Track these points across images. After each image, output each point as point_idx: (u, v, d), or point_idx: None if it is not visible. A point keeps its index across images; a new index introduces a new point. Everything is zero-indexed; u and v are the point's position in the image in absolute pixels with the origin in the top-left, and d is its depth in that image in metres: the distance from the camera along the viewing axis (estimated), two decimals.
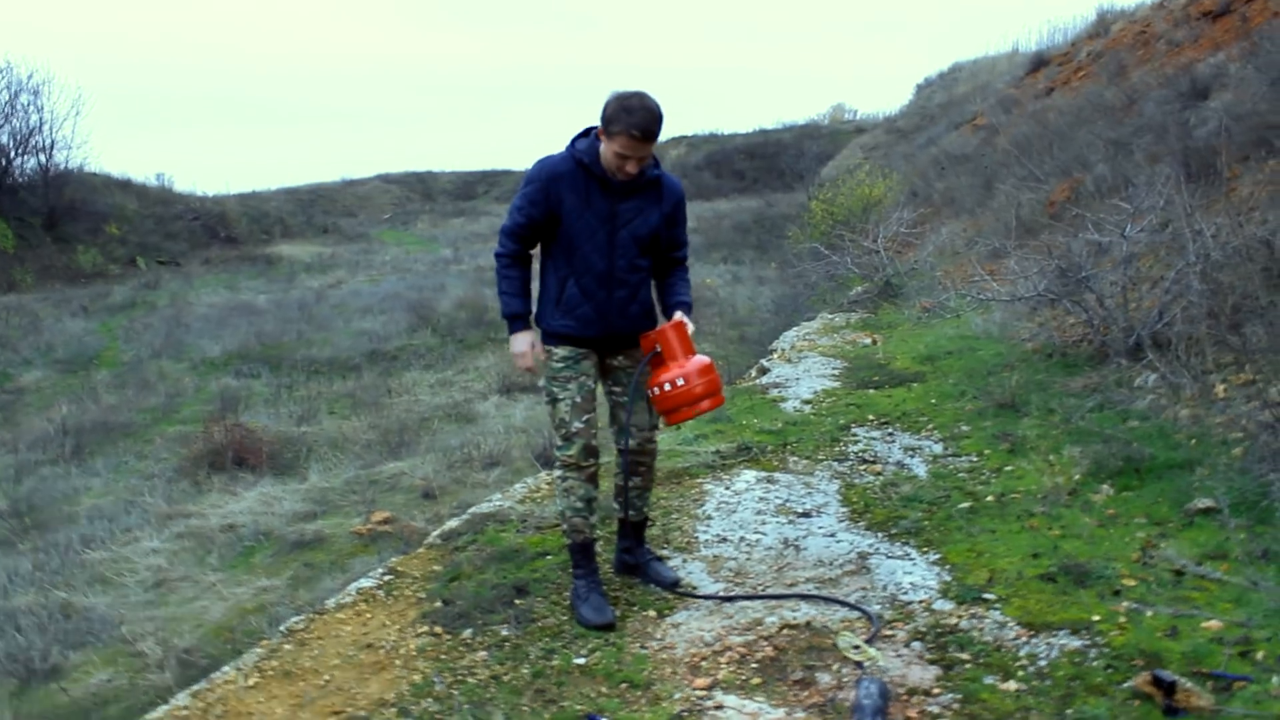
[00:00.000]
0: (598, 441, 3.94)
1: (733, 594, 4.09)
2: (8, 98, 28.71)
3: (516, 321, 3.92)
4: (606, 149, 3.67)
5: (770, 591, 4.05)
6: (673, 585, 4.10)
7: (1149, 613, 3.54)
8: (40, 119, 29.17)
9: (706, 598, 4.08)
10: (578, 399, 3.84)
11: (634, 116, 3.54)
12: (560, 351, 3.89)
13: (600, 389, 4.03)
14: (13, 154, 28.60)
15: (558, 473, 3.95)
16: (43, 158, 29.17)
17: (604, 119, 3.62)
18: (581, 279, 3.83)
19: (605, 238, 3.80)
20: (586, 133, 3.83)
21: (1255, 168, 8.19)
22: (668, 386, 3.79)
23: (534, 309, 4.00)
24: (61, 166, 29.63)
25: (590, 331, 3.87)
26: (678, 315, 3.94)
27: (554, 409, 3.90)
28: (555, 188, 3.76)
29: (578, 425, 3.84)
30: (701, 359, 3.87)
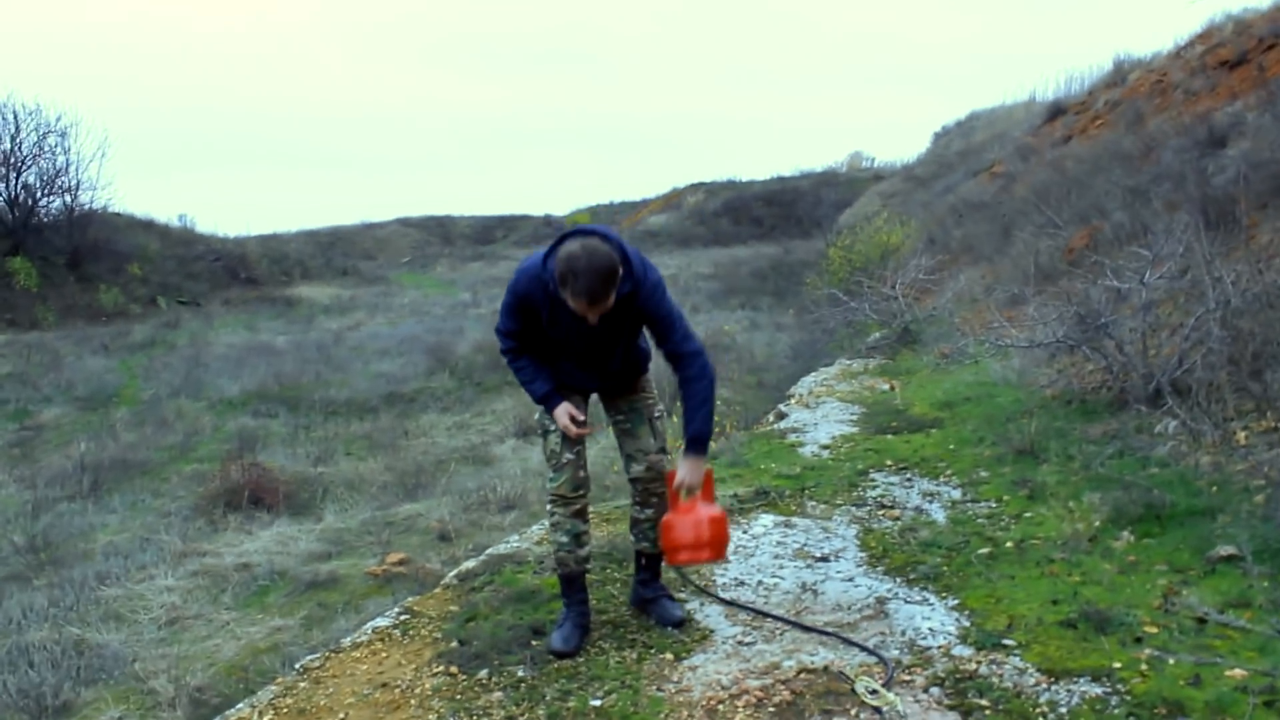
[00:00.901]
0: (587, 474, 4.02)
1: (763, 609, 4.27)
2: (36, 139, 29.09)
3: (551, 400, 3.89)
4: (564, 295, 3.55)
5: (790, 631, 4.03)
6: (678, 624, 4.12)
7: (1171, 660, 3.50)
8: (67, 160, 29.53)
9: (732, 604, 4.34)
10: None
11: (580, 282, 3.43)
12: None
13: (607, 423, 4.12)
14: (39, 194, 28.96)
15: (548, 506, 4.01)
16: (68, 198, 29.50)
17: (555, 278, 3.51)
18: (567, 363, 3.94)
19: (584, 348, 3.86)
20: (562, 239, 3.64)
21: (1274, 215, 8.19)
22: (678, 518, 3.85)
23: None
24: (86, 207, 29.94)
25: (581, 384, 4.00)
26: (690, 460, 3.81)
27: (545, 440, 3.97)
28: (529, 305, 3.76)
29: (568, 456, 3.91)
30: (717, 511, 3.90)
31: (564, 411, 3.86)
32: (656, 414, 4.14)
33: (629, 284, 3.65)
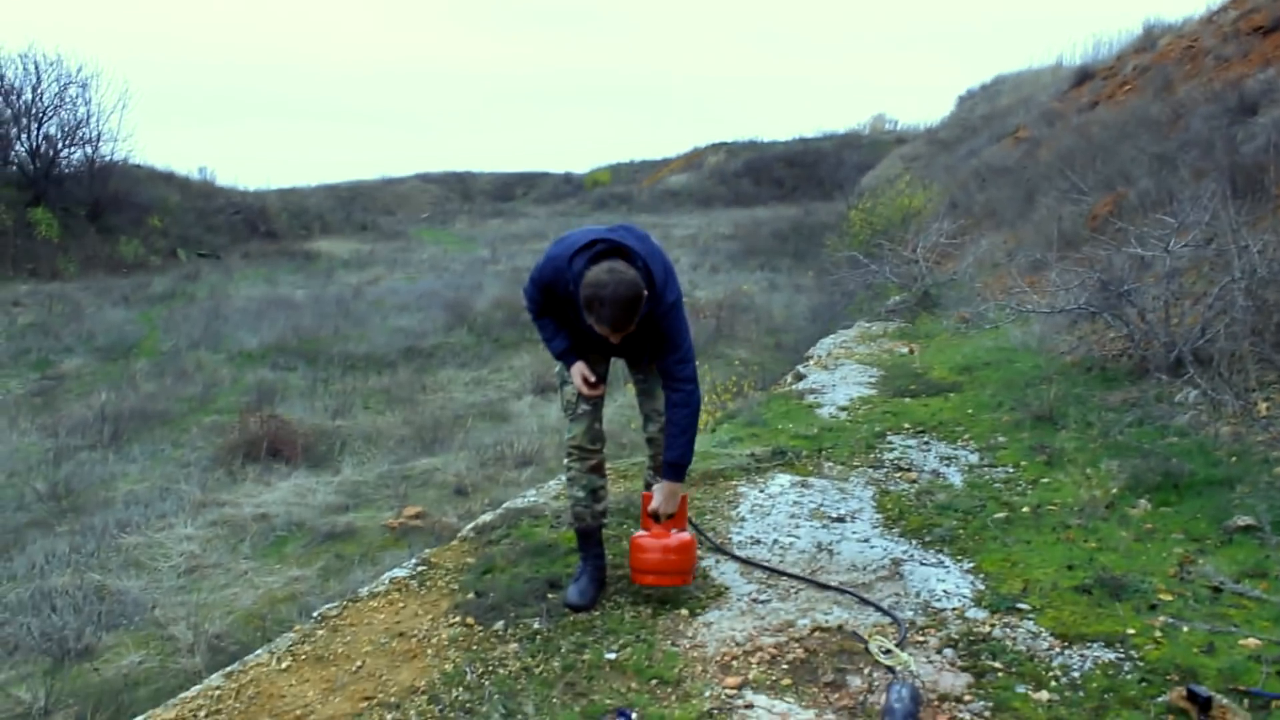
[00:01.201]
0: (602, 427, 4.05)
1: (778, 568, 4.31)
2: (57, 90, 29.05)
3: (567, 358, 3.92)
4: (586, 315, 3.55)
5: (805, 589, 4.05)
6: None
7: (1185, 628, 3.51)
8: (88, 112, 29.51)
9: (748, 561, 4.37)
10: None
11: (605, 310, 3.43)
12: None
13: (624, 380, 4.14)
14: (60, 145, 28.98)
15: (565, 460, 4.04)
16: (89, 149, 29.52)
17: (581, 300, 3.51)
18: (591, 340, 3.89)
19: (604, 346, 3.86)
20: (591, 244, 3.64)
21: None
22: (649, 542, 3.88)
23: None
24: (107, 158, 29.95)
25: (602, 348, 3.96)
26: (666, 487, 3.85)
27: (562, 392, 4.03)
28: (553, 292, 3.80)
29: (584, 407, 3.94)
30: (687, 536, 3.93)
31: (579, 370, 3.89)
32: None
33: (649, 303, 3.62)
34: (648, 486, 4.22)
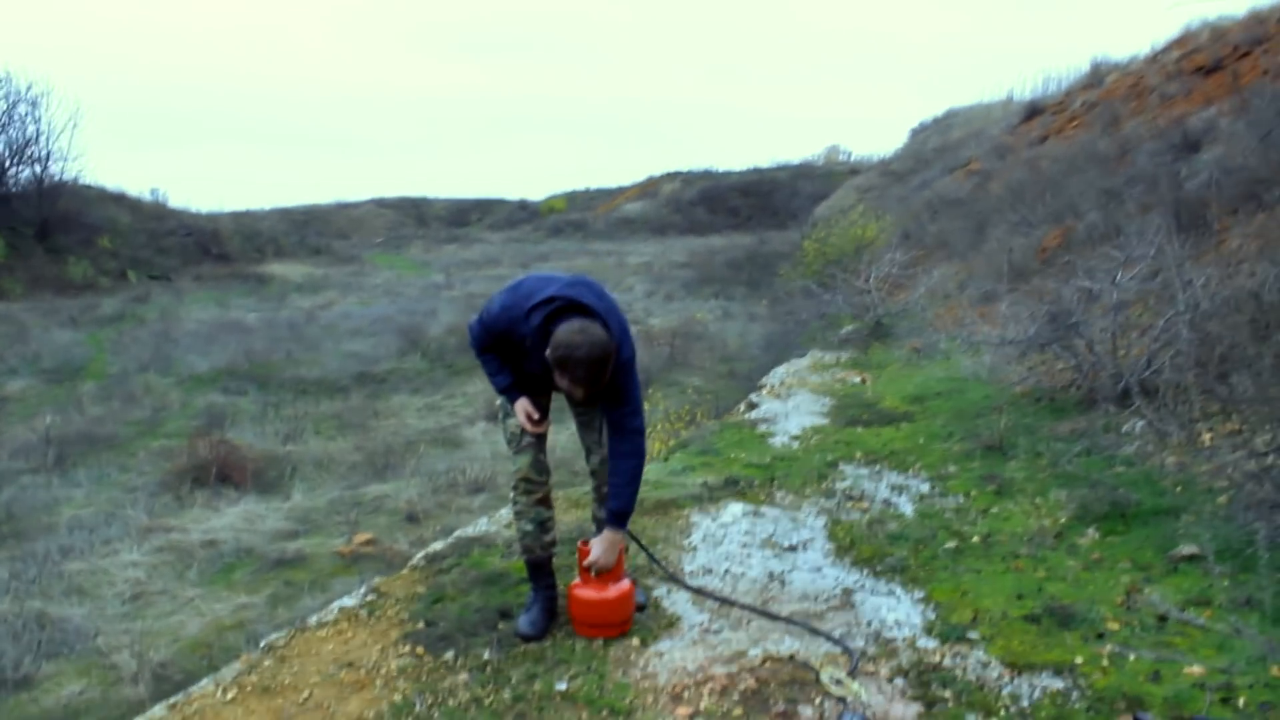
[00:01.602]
0: (547, 458, 3.99)
1: (730, 598, 4.29)
2: (5, 107, 28.78)
3: (511, 393, 3.91)
4: (556, 374, 3.55)
5: (757, 619, 4.05)
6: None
7: (1132, 656, 3.55)
8: (37, 130, 29.24)
9: (703, 593, 4.35)
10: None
11: (579, 371, 3.44)
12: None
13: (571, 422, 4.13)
14: (8, 163, 28.62)
15: (511, 493, 3.99)
16: (38, 168, 29.19)
17: (551, 358, 3.50)
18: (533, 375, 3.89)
19: (547, 384, 3.87)
20: (549, 300, 3.61)
21: (1244, 220, 8.27)
22: (590, 597, 3.91)
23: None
24: (56, 178, 29.64)
25: (545, 387, 3.95)
26: (607, 538, 3.83)
27: (506, 424, 3.97)
28: (503, 343, 3.81)
29: (529, 439, 3.90)
30: (626, 586, 3.94)
31: (522, 408, 3.86)
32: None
33: (622, 352, 3.70)
34: (597, 524, 4.17)
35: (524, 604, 4.12)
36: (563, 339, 3.45)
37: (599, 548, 3.82)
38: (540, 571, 4.04)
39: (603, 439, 4.01)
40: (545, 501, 3.97)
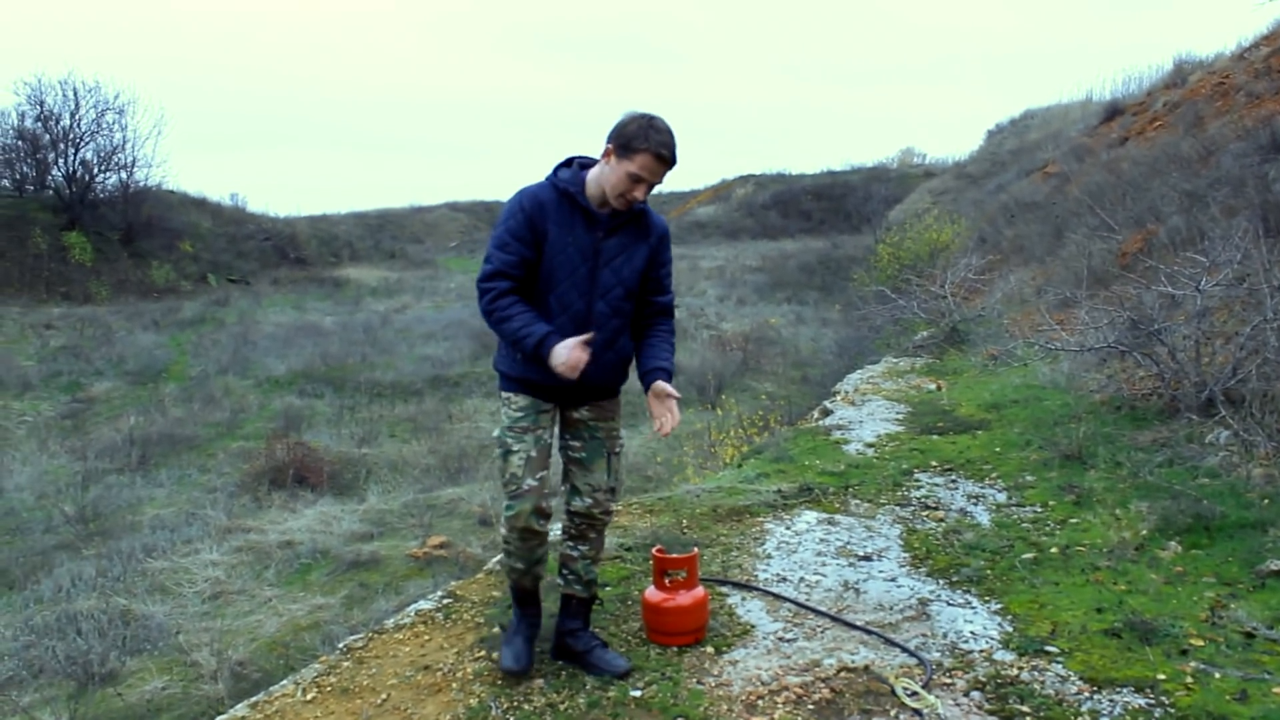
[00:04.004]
0: (549, 504, 3.57)
1: (806, 604, 4.27)
2: (94, 116, 29.59)
3: (549, 339, 3.34)
4: (617, 170, 3.32)
5: (831, 629, 4.02)
6: (624, 675, 3.64)
7: (1217, 674, 3.47)
8: (124, 138, 30.10)
9: (777, 596, 4.32)
10: (533, 453, 3.49)
11: (661, 135, 3.28)
12: (520, 400, 3.54)
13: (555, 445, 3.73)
14: (96, 170, 29.44)
15: (502, 532, 3.59)
16: (124, 175, 30.05)
17: (622, 136, 3.30)
18: (556, 320, 3.45)
19: (586, 275, 3.46)
20: (568, 163, 3.55)
21: None
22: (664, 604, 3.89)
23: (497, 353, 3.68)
24: (141, 184, 30.47)
25: (557, 380, 3.41)
26: (660, 384, 3.49)
27: (506, 462, 3.51)
28: (540, 218, 3.42)
29: (530, 483, 3.46)
30: (700, 593, 3.93)
31: (574, 355, 3.30)
32: (618, 449, 3.75)
33: (661, 219, 3.65)
34: (564, 563, 3.78)
35: (504, 632, 3.83)
36: (629, 114, 3.33)
37: (666, 406, 3.48)
38: (528, 599, 3.76)
39: (596, 480, 3.64)
40: (542, 544, 3.60)
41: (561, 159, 3.59)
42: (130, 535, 9.13)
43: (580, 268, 3.45)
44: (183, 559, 8.44)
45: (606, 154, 3.37)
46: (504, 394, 3.61)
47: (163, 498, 10.55)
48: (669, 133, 3.32)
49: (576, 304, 3.47)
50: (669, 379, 3.54)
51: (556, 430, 3.69)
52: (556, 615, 3.86)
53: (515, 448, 3.49)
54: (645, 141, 3.27)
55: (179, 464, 11.88)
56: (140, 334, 20.31)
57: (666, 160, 3.32)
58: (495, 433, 3.62)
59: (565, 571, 3.78)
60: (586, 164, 3.51)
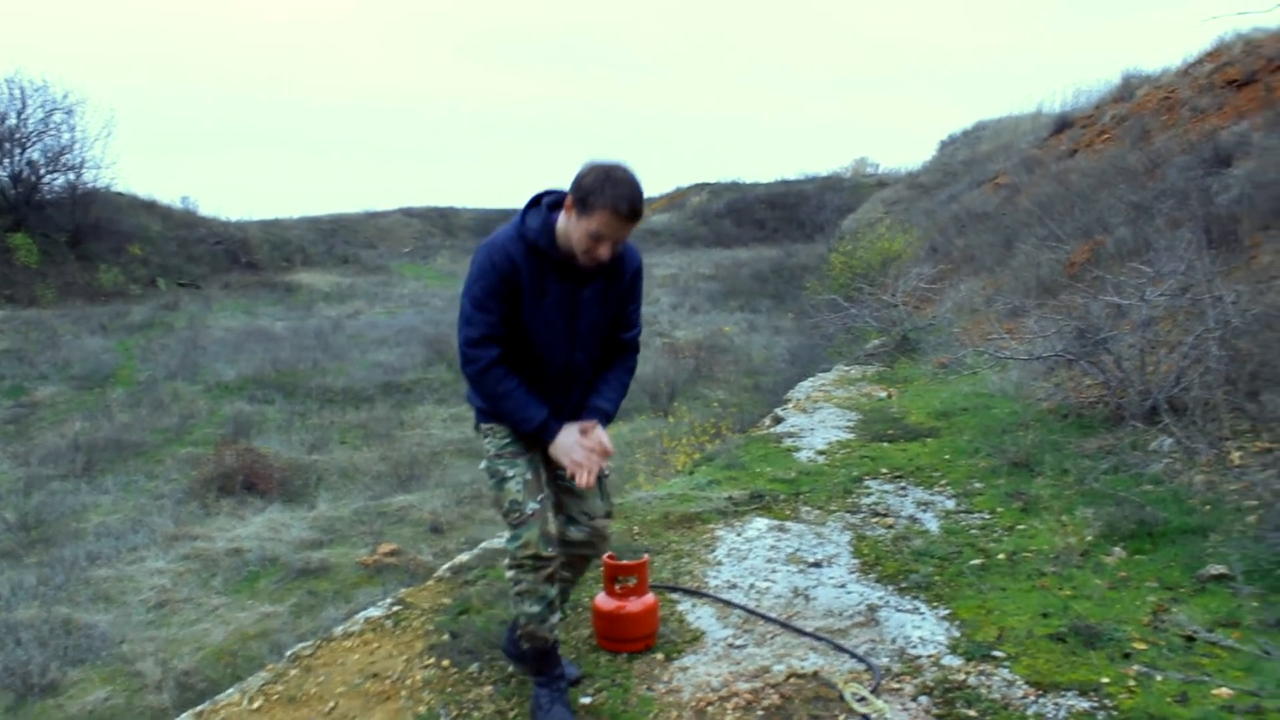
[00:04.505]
0: (554, 529, 3.44)
1: (755, 610, 4.27)
2: (42, 115, 29.12)
3: (550, 425, 3.26)
4: (579, 228, 3.06)
5: (781, 635, 4.04)
6: (575, 682, 3.64)
7: (1159, 677, 3.52)
8: (72, 138, 29.61)
9: (726, 603, 4.31)
10: (529, 476, 3.31)
11: (620, 189, 3.00)
12: (503, 428, 3.35)
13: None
14: (43, 171, 28.97)
15: (510, 573, 3.33)
16: (72, 176, 29.56)
17: (580, 190, 3.03)
18: (538, 374, 3.32)
19: (564, 329, 3.29)
20: (537, 200, 3.27)
21: (1276, 235, 8.20)
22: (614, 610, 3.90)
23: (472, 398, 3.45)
24: (89, 185, 29.99)
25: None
26: (594, 427, 3.32)
27: (502, 490, 3.31)
28: (512, 275, 3.17)
29: (533, 506, 3.27)
30: (650, 600, 3.95)
31: (568, 433, 3.26)
32: (607, 470, 3.51)
33: (636, 254, 3.41)
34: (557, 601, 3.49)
35: (532, 707, 3.43)
36: (589, 166, 3.06)
37: (597, 430, 3.31)
38: (547, 661, 3.42)
39: (591, 507, 3.48)
40: (554, 576, 3.34)
41: (529, 197, 3.31)
42: (74, 543, 8.98)
43: (557, 323, 3.27)
44: (128, 567, 8.32)
45: (567, 206, 3.11)
46: (484, 425, 3.40)
47: (108, 504, 10.39)
48: (629, 184, 3.04)
49: (557, 358, 3.32)
50: (606, 422, 3.37)
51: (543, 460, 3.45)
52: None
53: (509, 473, 3.29)
54: (602, 198, 3.00)
55: (125, 470, 11.71)
56: (87, 338, 20.01)
57: (626, 217, 3.04)
58: (482, 465, 3.41)
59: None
60: (556, 202, 3.23)
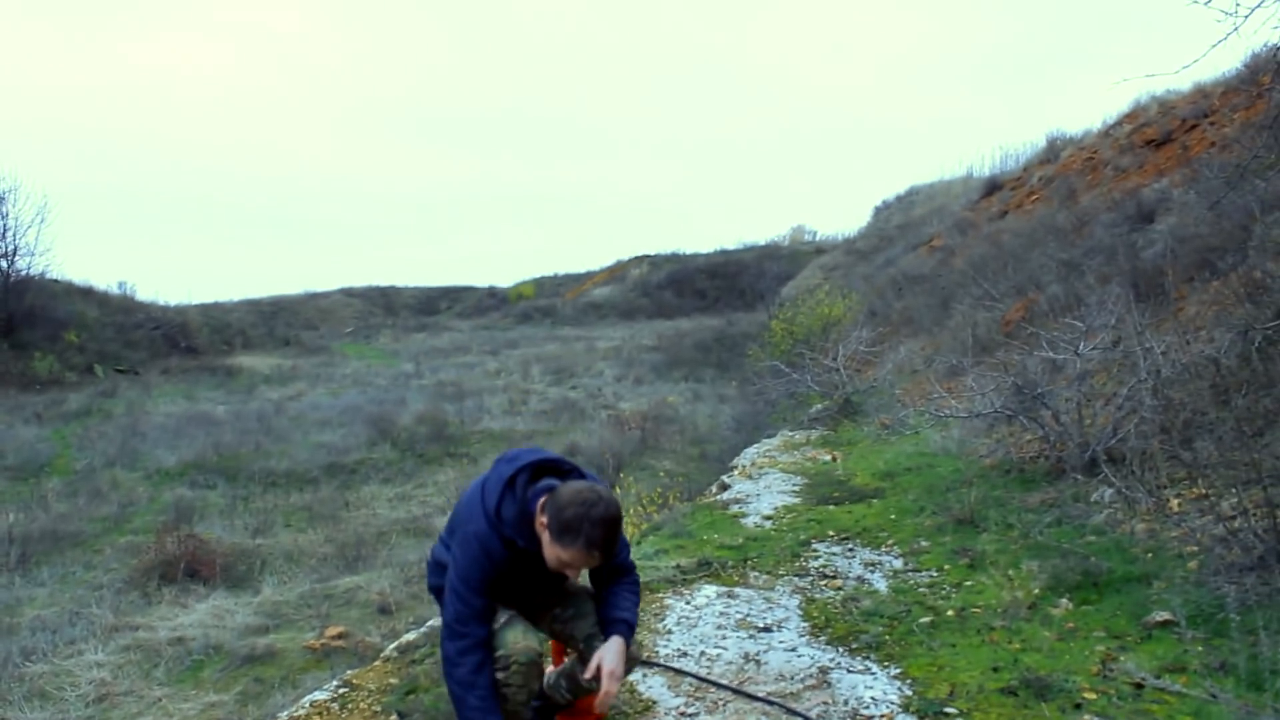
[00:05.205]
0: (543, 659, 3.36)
1: (707, 677, 4.23)
2: None
3: None
4: (551, 550, 3.05)
5: (733, 701, 4.01)
6: None
7: None
8: (4, 226, 29.21)
9: (678, 671, 4.24)
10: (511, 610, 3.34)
11: (595, 531, 2.97)
12: None
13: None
14: None
15: (502, 674, 3.21)
16: (4, 264, 29.11)
17: (558, 521, 3.00)
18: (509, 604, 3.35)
19: (540, 601, 3.43)
20: (510, 482, 3.21)
21: (1200, 288, 8.42)
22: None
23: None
24: (23, 273, 29.55)
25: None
26: (620, 643, 3.26)
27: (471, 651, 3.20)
28: (499, 570, 3.16)
29: (508, 612, 3.31)
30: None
31: (621, 658, 3.21)
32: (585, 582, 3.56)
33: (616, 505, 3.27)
34: (568, 676, 3.56)
35: None
36: (570, 497, 3.01)
37: (613, 657, 3.19)
38: None
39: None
40: (542, 672, 3.35)
41: (499, 471, 3.26)
42: (7, 639, 8.71)
43: (534, 596, 3.38)
44: (64, 661, 8.08)
45: (541, 524, 3.08)
46: None
47: (44, 597, 10.11)
48: (606, 524, 2.99)
49: (527, 614, 3.38)
50: (631, 633, 3.31)
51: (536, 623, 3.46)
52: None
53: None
54: (577, 539, 2.97)
55: (62, 561, 11.42)
56: (21, 428, 19.59)
57: (600, 554, 3.03)
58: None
59: (562, 682, 3.57)
60: (536, 494, 3.16)
